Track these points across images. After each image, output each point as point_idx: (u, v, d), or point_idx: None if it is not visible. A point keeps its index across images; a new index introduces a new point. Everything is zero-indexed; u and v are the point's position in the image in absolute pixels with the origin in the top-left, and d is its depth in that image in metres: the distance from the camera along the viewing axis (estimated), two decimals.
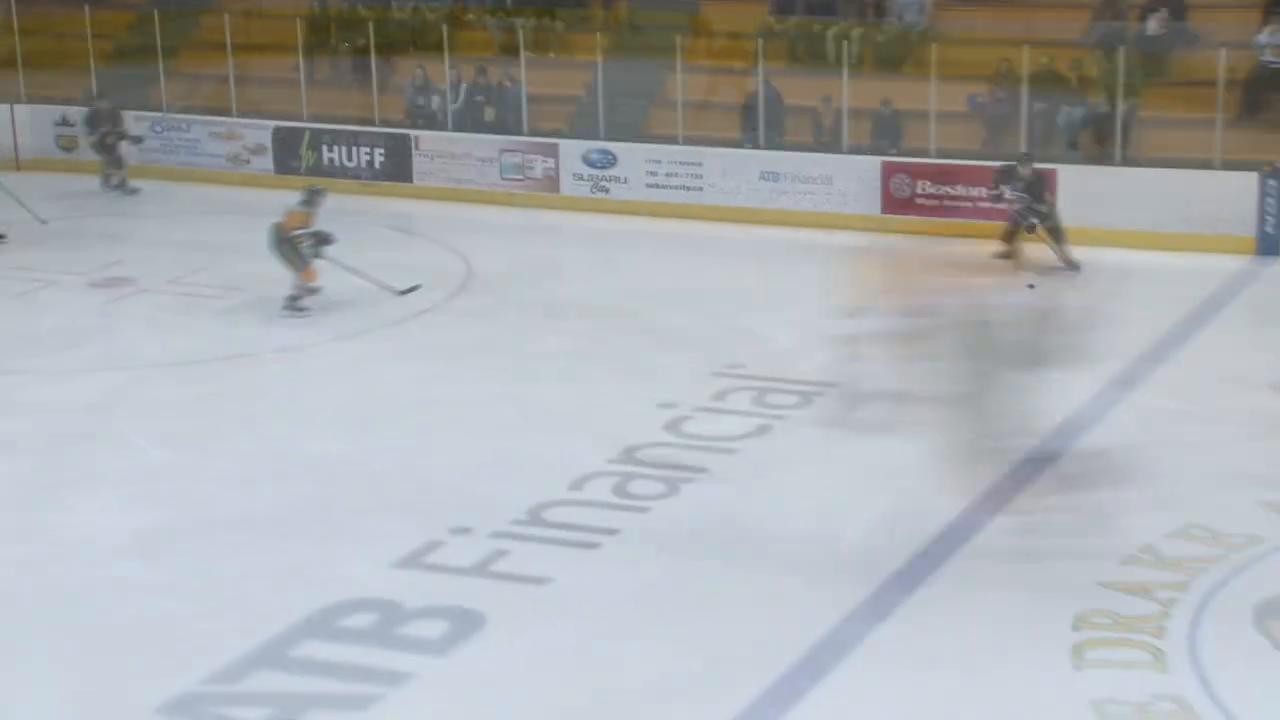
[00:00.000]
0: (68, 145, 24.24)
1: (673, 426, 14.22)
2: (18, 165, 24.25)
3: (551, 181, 21.80)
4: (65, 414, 14.88)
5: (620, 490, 12.97)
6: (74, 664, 10.51)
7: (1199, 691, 9.81)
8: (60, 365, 16.11)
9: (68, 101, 24.58)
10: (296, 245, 17.20)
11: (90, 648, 10.71)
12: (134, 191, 23.24)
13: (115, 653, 10.64)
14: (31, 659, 10.58)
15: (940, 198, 20.23)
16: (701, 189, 21.30)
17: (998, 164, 19.08)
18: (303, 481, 13.24)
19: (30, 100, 24.92)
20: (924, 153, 20.64)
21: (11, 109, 24.74)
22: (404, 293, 17.54)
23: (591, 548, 12.03)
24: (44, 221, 20.57)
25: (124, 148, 23.51)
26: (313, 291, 17.42)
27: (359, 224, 20.88)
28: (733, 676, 10.14)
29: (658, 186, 21.47)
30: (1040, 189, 18.23)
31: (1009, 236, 18.28)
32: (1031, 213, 18.10)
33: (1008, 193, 18.38)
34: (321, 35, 24.51)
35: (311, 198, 17.57)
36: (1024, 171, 18.00)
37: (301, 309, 17.28)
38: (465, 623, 10.89)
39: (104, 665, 10.49)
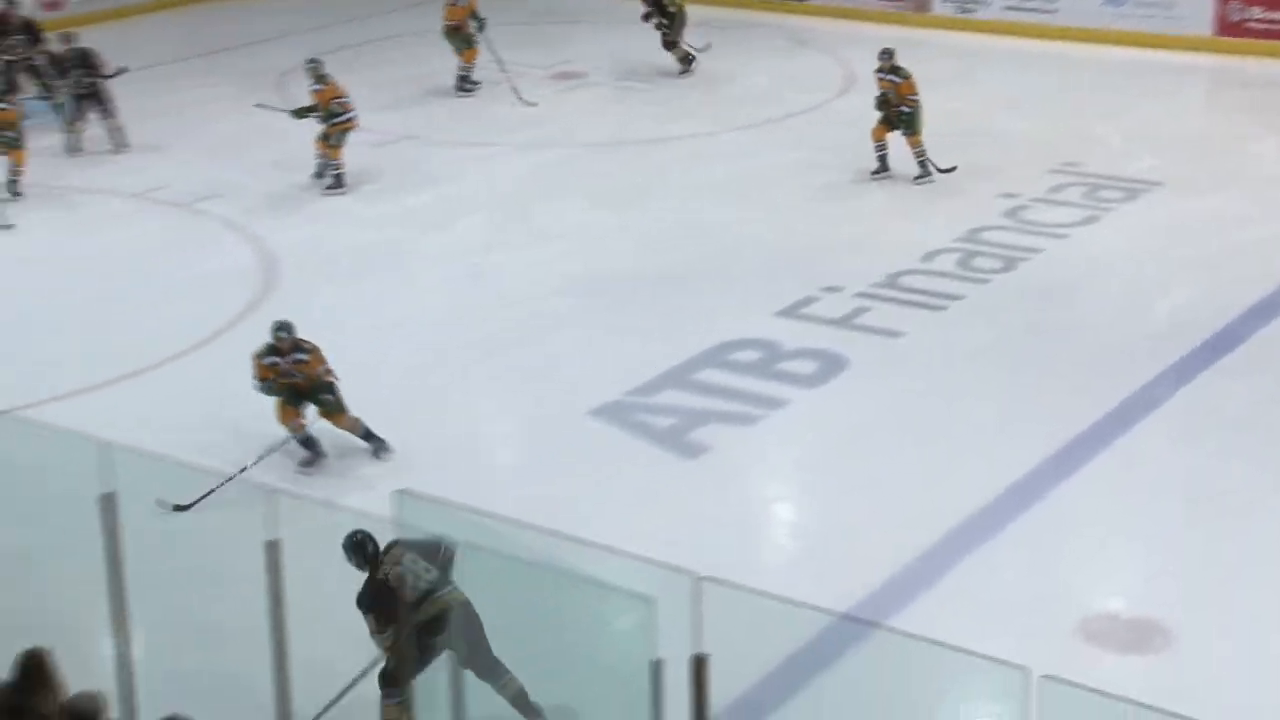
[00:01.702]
0: None
1: (1012, 214, 13.97)
2: None
3: (923, 2, 21.26)
4: (515, 180, 15.45)
5: (965, 264, 12.88)
6: (526, 377, 11.16)
7: None
8: (516, 141, 16.65)
9: None
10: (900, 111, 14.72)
11: (536, 367, 11.32)
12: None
13: (556, 369, 11.25)
14: (494, 379, 11.19)
15: (1270, 23, 19.02)
16: (1055, 11, 20.42)
17: None
18: (702, 243, 13.53)
19: None
20: None
21: None
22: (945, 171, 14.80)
23: (938, 310, 12.04)
24: (533, 104, 17.78)
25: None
26: (922, 159, 14.76)
27: (762, 34, 20.85)
28: (1049, 423, 10.12)
29: (1015, 9, 20.66)
30: None
31: None
32: None
33: None
34: None
35: (884, 60, 14.91)
36: None
37: (926, 176, 14.76)
38: (832, 363, 11.12)
39: (548, 379, 11.11)
